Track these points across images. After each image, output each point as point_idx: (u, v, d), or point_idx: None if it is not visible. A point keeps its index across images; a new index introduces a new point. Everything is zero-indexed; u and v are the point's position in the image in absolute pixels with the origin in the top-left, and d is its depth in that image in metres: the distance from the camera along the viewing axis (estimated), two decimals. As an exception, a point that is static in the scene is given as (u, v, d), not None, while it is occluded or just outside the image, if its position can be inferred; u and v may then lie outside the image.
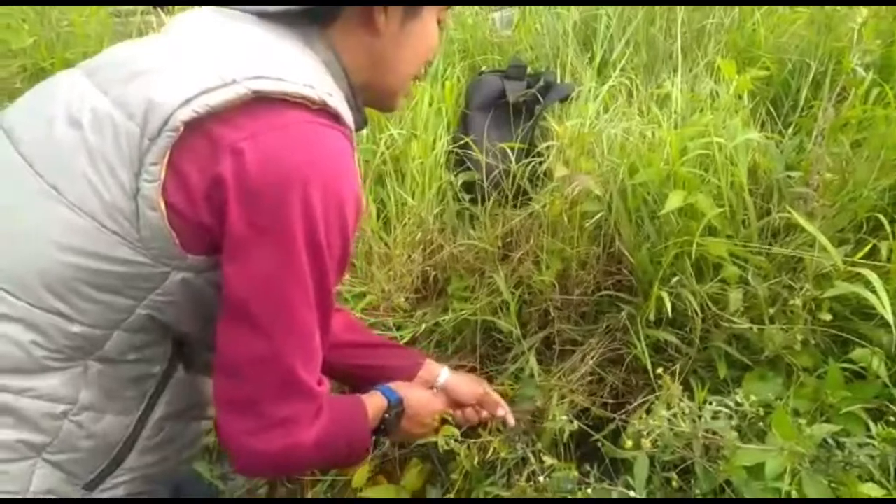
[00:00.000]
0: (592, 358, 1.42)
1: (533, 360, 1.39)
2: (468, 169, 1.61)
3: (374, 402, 0.94)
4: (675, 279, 1.28)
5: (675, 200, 1.24)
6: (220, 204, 0.69)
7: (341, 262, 0.75)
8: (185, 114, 0.67)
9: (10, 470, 0.72)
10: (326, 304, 0.74)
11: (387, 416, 0.95)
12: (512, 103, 1.66)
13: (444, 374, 1.14)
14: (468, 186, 1.62)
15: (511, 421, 1.17)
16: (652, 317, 1.32)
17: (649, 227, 1.34)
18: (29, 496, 0.73)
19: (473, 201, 1.61)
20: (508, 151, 1.55)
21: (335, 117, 0.73)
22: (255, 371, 0.72)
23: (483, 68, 1.90)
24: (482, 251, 1.52)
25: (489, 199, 1.58)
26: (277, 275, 0.70)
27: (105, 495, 0.79)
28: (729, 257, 1.26)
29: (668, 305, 1.23)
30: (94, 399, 0.74)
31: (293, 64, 0.73)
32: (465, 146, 1.61)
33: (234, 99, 0.67)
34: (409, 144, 1.58)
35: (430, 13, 0.84)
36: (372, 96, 0.85)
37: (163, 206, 0.68)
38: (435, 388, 1.12)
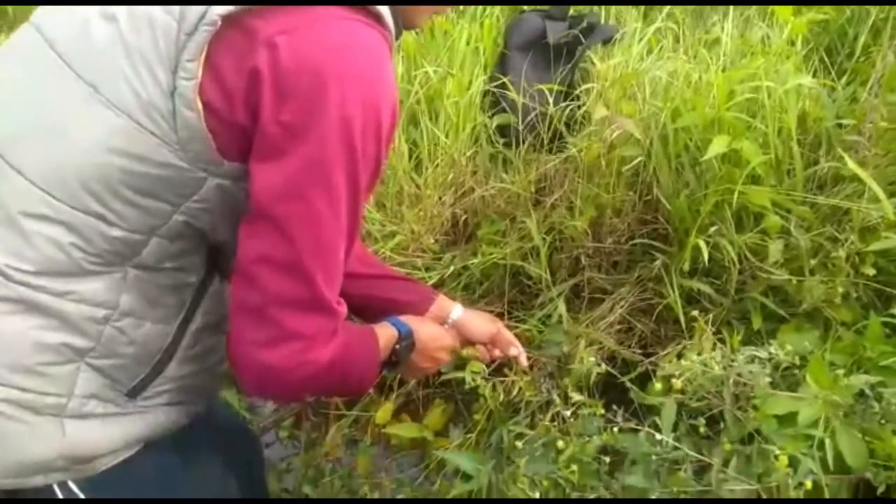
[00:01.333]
0: (622, 307, 1.40)
1: (562, 306, 1.37)
2: (504, 111, 1.57)
3: (384, 332, 0.91)
4: (713, 228, 1.24)
5: (718, 146, 1.19)
6: (255, 101, 0.67)
7: (374, 172, 0.72)
8: (223, 8, 0.64)
9: (54, 372, 0.72)
10: (355, 216, 0.72)
11: (397, 346, 0.92)
12: (553, 44, 1.61)
13: (456, 310, 1.11)
14: (503, 130, 1.58)
15: (524, 361, 1.13)
16: (687, 267, 1.29)
17: (689, 173, 1.30)
18: (73, 399, 0.74)
19: (507, 145, 1.57)
20: (546, 93, 1.50)
21: (376, 17, 0.70)
22: (274, 277, 0.69)
23: (524, 7, 1.83)
24: (514, 195, 1.49)
25: (524, 143, 1.54)
26: (307, 176, 0.67)
27: (147, 403, 0.79)
28: (771, 207, 1.21)
29: (706, 254, 1.20)
30: (134, 305, 0.74)
31: None
32: (502, 87, 1.57)
33: None
34: (444, 83, 1.54)
35: None
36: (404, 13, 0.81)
37: (199, 105, 0.66)
38: (447, 324, 1.09)
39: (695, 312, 1.14)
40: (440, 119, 1.55)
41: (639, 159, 1.32)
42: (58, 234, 0.69)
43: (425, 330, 0.99)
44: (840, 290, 1.11)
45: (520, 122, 1.54)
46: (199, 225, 0.74)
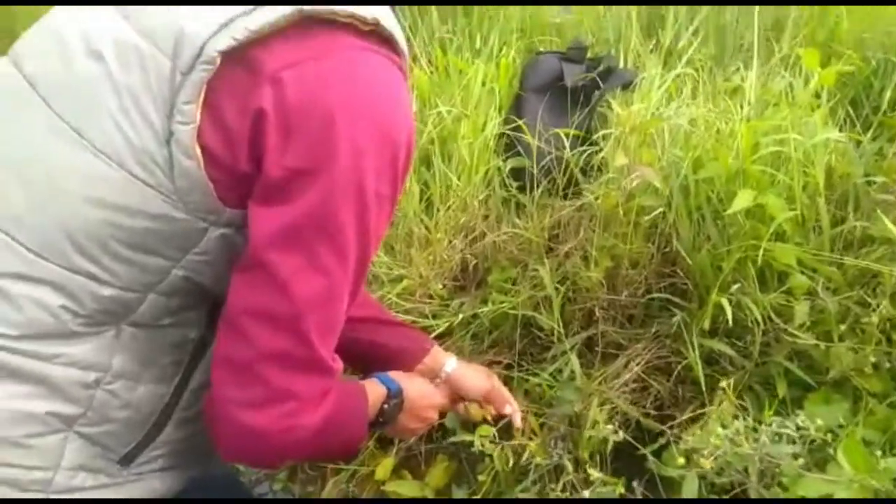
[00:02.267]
0: (638, 364, 1.34)
1: (574, 361, 1.31)
2: (518, 154, 1.53)
3: (373, 390, 0.85)
4: (735, 286, 1.19)
5: (743, 200, 1.14)
6: (259, 144, 0.61)
7: (388, 214, 0.67)
8: (222, 42, 0.58)
9: (39, 444, 0.66)
10: (362, 265, 0.66)
11: (385, 406, 0.86)
12: (570, 87, 1.57)
13: (450, 363, 1.04)
14: (517, 173, 1.53)
15: (518, 422, 1.06)
16: (707, 325, 1.23)
17: (711, 227, 1.25)
18: (60, 473, 0.68)
19: (521, 189, 1.53)
20: (563, 138, 1.46)
21: (387, 41, 0.65)
22: (266, 331, 0.63)
23: (540, 49, 1.81)
24: (527, 242, 1.44)
25: (538, 188, 1.50)
26: (311, 224, 0.61)
27: (141, 470, 0.73)
28: (797, 266, 1.16)
29: (729, 314, 1.14)
30: (128, 366, 0.69)
31: None
32: (517, 129, 1.53)
33: (277, 20, 0.58)
34: (459, 124, 1.50)
35: None
36: None
37: (199, 152, 0.60)
38: (439, 378, 1.03)
39: (715, 375, 1.08)
40: (453, 161, 1.51)
41: (658, 210, 1.27)
42: (44, 296, 0.63)
43: (415, 388, 0.93)
44: (871, 358, 1.05)
45: (534, 166, 1.49)
46: (200, 279, 0.68)
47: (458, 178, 1.47)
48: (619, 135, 1.39)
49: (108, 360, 0.67)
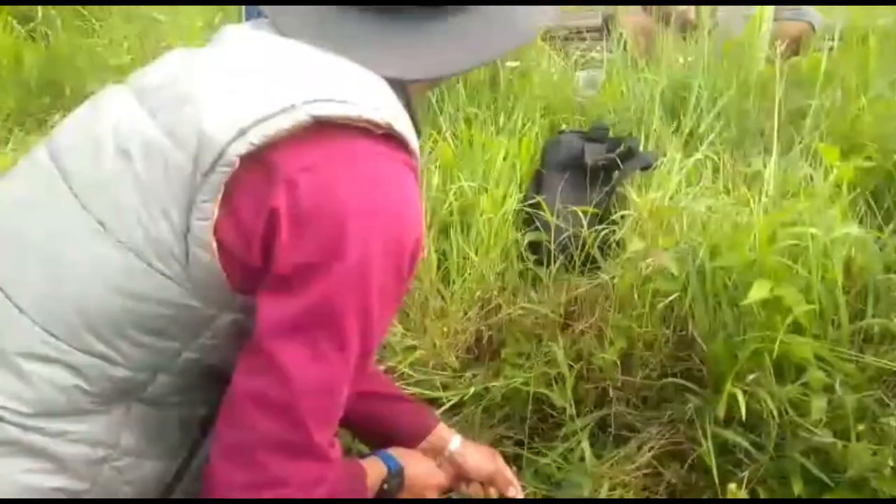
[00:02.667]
0: (651, 448, 1.32)
1: (585, 443, 1.29)
2: (536, 229, 1.55)
3: (373, 469, 0.85)
4: (751, 376, 1.17)
5: (759, 291, 1.14)
6: (271, 241, 0.63)
7: (392, 309, 0.69)
8: (241, 147, 0.61)
9: None
10: (365, 357, 0.67)
11: (385, 486, 0.86)
12: (590, 166, 1.60)
13: (454, 442, 1.04)
14: (535, 246, 1.55)
15: None
16: (721, 413, 1.21)
17: (727, 314, 1.24)
18: None
19: (539, 262, 1.54)
20: (580, 215, 1.48)
21: (400, 142, 0.67)
22: (264, 417, 0.64)
23: (563, 127, 1.85)
24: (542, 317, 1.45)
25: (555, 263, 1.51)
26: (316, 318, 0.63)
27: None
28: (814, 360, 1.14)
29: (742, 407, 1.12)
30: (135, 443, 0.70)
31: (354, 81, 0.68)
32: (536, 206, 1.55)
33: (294, 126, 0.62)
34: (479, 197, 1.53)
35: None
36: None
37: (214, 245, 0.63)
38: (442, 457, 1.03)
39: (729, 465, 1.06)
40: (471, 233, 1.53)
41: (675, 295, 1.27)
42: (58, 376, 0.65)
43: (416, 466, 0.93)
44: (890, 461, 1.02)
45: (552, 242, 1.51)
46: (210, 361, 0.70)
47: (476, 252, 1.49)
48: (637, 217, 1.41)
49: (116, 437, 0.69)
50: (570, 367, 1.36)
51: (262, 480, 0.65)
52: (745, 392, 1.15)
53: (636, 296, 1.31)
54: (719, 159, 1.61)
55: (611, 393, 1.37)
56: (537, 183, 1.63)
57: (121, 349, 0.66)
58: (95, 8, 2.85)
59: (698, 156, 1.52)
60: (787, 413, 1.16)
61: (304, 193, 0.62)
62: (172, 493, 0.74)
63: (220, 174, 0.61)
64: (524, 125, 1.78)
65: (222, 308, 0.67)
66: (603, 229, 1.49)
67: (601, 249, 1.49)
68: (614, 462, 1.32)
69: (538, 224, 1.54)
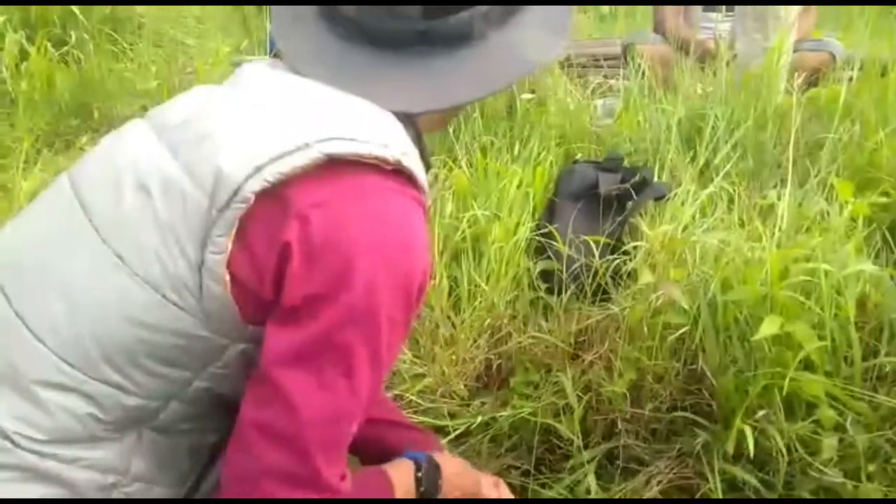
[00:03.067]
0: (659, 483, 1.30)
1: (592, 476, 1.28)
2: (548, 258, 1.55)
3: (400, 471, 0.84)
4: (761, 413, 1.16)
5: (770, 327, 1.13)
6: (282, 274, 0.65)
7: (401, 337, 0.70)
8: (257, 184, 0.63)
9: None
10: (375, 386, 0.68)
11: (419, 474, 0.85)
12: (603, 196, 1.60)
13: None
14: (546, 275, 1.55)
15: None
16: (731, 449, 1.20)
17: (738, 349, 1.23)
18: None
19: (550, 291, 1.54)
20: (592, 245, 1.48)
21: (409, 178, 0.69)
22: (270, 447, 0.65)
23: (578, 156, 1.86)
24: (552, 346, 1.44)
25: (566, 292, 1.51)
26: (323, 348, 0.65)
27: None
28: (826, 398, 1.13)
29: (751, 443, 1.11)
30: (146, 469, 0.71)
31: (365, 118, 0.70)
32: (549, 235, 1.56)
33: (307, 164, 0.64)
34: (491, 226, 1.54)
35: None
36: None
37: (227, 278, 0.65)
38: None
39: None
40: (483, 261, 1.54)
41: (685, 328, 1.26)
42: (74, 404, 0.67)
43: (448, 459, 0.93)
44: (902, 504, 1.00)
45: (564, 271, 1.51)
46: (220, 389, 0.71)
47: (487, 280, 1.50)
48: (650, 248, 1.41)
49: (127, 464, 0.70)
50: (579, 398, 1.35)
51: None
52: (754, 428, 1.14)
53: (646, 328, 1.30)
54: (734, 191, 1.60)
55: (619, 425, 1.36)
56: (550, 212, 1.64)
57: (134, 378, 0.67)
58: (126, 31, 2.94)
59: (712, 188, 1.51)
60: (796, 451, 1.15)
61: (315, 229, 0.63)
62: None
63: (235, 210, 0.63)
64: (539, 154, 1.79)
65: (234, 339, 0.68)
66: (615, 259, 1.49)
67: (613, 280, 1.49)
68: (621, 495, 1.31)
69: (550, 253, 1.55)
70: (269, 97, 0.72)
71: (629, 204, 1.58)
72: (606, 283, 1.48)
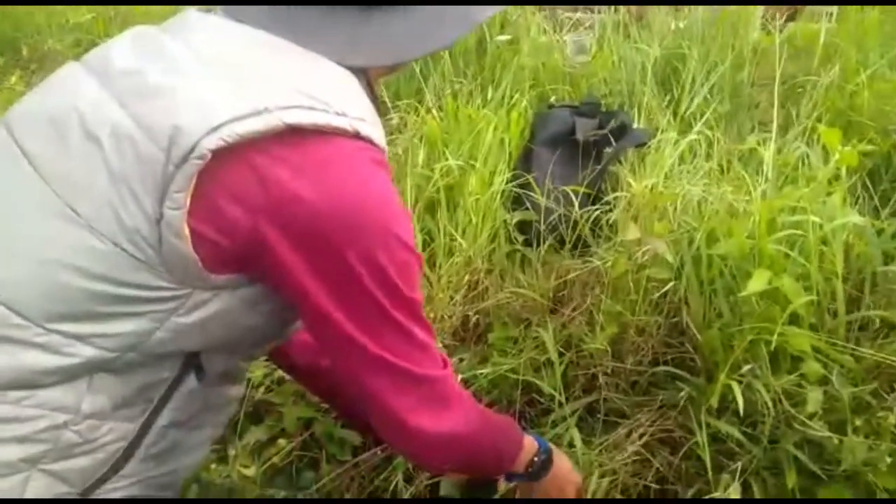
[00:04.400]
0: (641, 435, 1.30)
1: (575, 432, 1.27)
2: (526, 208, 1.49)
3: (528, 440, 0.92)
4: (746, 367, 1.15)
5: (758, 282, 1.10)
6: (263, 242, 0.65)
7: (416, 266, 0.72)
8: (212, 142, 0.62)
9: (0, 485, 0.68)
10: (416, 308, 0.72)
11: (535, 458, 0.93)
12: (581, 142, 1.54)
13: None
14: (523, 227, 1.50)
15: None
16: (715, 403, 1.19)
17: (723, 303, 1.21)
18: None
19: (527, 243, 1.49)
20: (571, 195, 1.43)
21: (369, 141, 0.69)
22: (369, 376, 0.71)
23: (552, 99, 1.78)
24: (531, 301, 1.40)
25: (544, 244, 1.46)
26: (351, 307, 0.68)
27: (101, 500, 0.74)
28: (811, 351, 1.12)
29: (740, 399, 1.10)
30: (97, 407, 0.70)
31: (319, 78, 0.69)
32: (526, 185, 1.50)
33: (266, 130, 0.63)
34: (467, 176, 1.47)
35: None
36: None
37: (187, 232, 0.64)
38: None
39: (722, 455, 1.04)
40: (458, 213, 1.47)
41: (670, 284, 1.23)
42: (24, 354, 0.65)
43: (562, 459, 0.99)
44: (887, 457, 1.01)
45: (542, 221, 1.46)
46: (181, 341, 0.70)
47: (463, 234, 1.43)
48: (630, 199, 1.36)
49: (77, 403, 0.69)
50: (560, 352, 1.33)
51: (422, 395, 0.73)
52: (739, 383, 1.13)
53: (630, 283, 1.27)
54: (713, 134, 1.56)
55: (600, 378, 1.34)
56: (526, 159, 1.57)
57: (92, 330, 0.66)
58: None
59: (693, 136, 1.46)
60: (780, 403, 1.14)
61: (306, 204, 0.64)
62: (133, 453, 0.74)
63: (192, 165, 0.62)
64: (512, 97, 1.71)
65: (197, 287, 0.68)
66: (595, 210, 1.44)
67: (592, 231, 1.45)
68: (603, 448, 1.31)
69: (528, 203, 1.49)
70: (222, 51, 0.70)
71: (607, 150, 1.53)
72: (586, 235, 1.44)
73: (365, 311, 0.69)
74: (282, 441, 1.32)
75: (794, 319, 1.15)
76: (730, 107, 1.68)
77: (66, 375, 0.67)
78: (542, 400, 1.37)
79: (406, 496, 1.29)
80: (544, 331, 1.33)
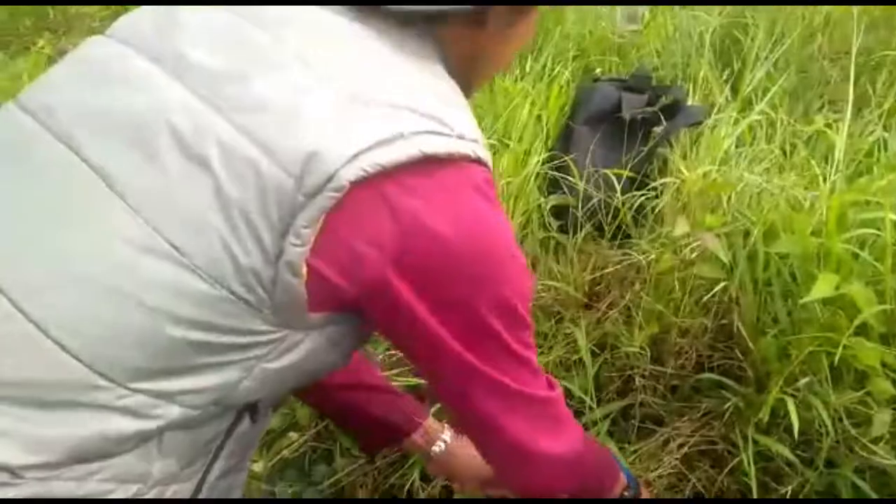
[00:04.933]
0: (679, 446, 1.19)
1: (605, 437, 1.17)
2: (563, 192, 1.37)
3: (622, 477, 0.86)
4: (804, 380, 1.02)
5: (823, 287, 0.97)
6: (388, 283, 0.57)
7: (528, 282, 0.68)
8: (352, 172, 0.53)
9: None
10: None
11: (625, 493, 0.85)
12: (627, 120, 1.40)
13: (443, 440, 1.00)
14: (559, 212, 1.38)
15: None
16: (765, 417, 1.07)
17: (780, 308, 1.08)
18: None
19: (563, 230, 1.38)
20: (613, 179, 1.30)
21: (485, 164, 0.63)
22: (487, 403, 0.66)
23: (598, 71, 1.64)
24: (564, 294, 1.29)
25: (581, 231, 1.34)
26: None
27: None
28: (880, 367, 0.99)
29: (794, 414, 0.98)
30: (167, 471, 0.62)
31: (433, 90, 0.62)
32: (563, 166, 1.37)
33: (405, 160, 0.55)
34: (500, 157, 1.35)
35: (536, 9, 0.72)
36: None
37: (304, 270, 0.55)
38: (432, 453, 1.00)
39: (768, 478, 0.93)
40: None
41: (721, 285, 1.11)
42: (105, 423, 0.55)
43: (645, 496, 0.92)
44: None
45: (579, 208, 1.34)
46: (265, 390, 0.62)
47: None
48: (680, 186, 1.23)
49: (148, 469, 0.60)
50: (594, 352, 1.22)
51: (533, 412, 0.67)
52: (794, 397, 1.01)
53: (675, 282, 1.15)
54: (776, 115, 1.40)
55: (637, 381, 1.23)
56: (566, 139, 1.45)
57: (183, 386, 0.57)
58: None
59: (755, 115, 1.32)
60: (842, 424, 1.02)
61: (443, 240, 0.57)
62: None
63: (327, 199, 0.53)
64: (554, 67, 1.57)
65: (294, 328, 0.59)
66: (640, 196, 1.31)
67: (635, 219, 1.32)
68: (637, 458, 1.20)
69: (564, 187, 1.37)
70: (325, 53, 0.59)
71: (657, 129, 1.39)
72: (627, 224, 1.32)
73: (489, 347, 0.63)
74: (293, 434, 1.26)
75: (861, 330, 1.02)
76: (797, 83, 1.52)
77: (141, 439, 0.58)
78: (570, 402, 1.27)
79: (423, 496, 1.21)
80: (577, 328, 1.22)
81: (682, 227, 1.05)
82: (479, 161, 0.60)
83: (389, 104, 0.57)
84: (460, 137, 0.58)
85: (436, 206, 0.56)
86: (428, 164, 0.56)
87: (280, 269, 0.54)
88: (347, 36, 0.61)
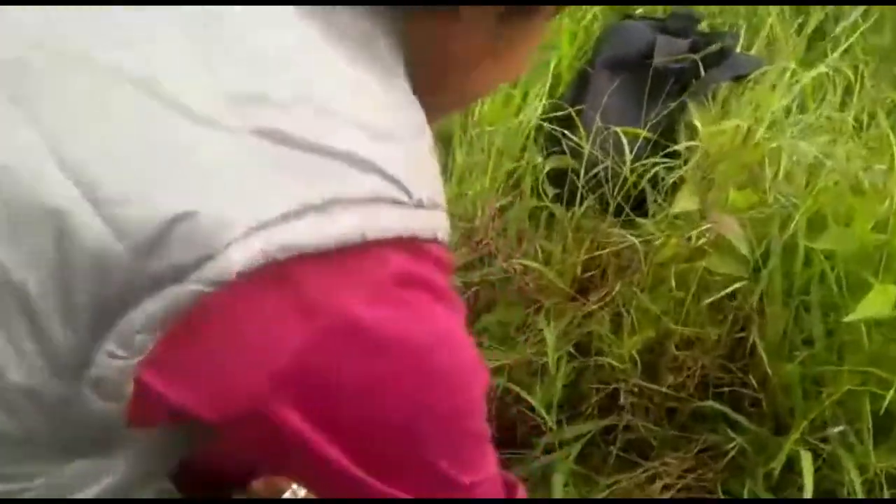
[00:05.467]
0: (666, 487, 0.94)
1: (570, 463, 0.93)
2: (563, 153, 1.11)
3: None
4: (836, 429, 0.75)
5: (878, 303, 0.70)
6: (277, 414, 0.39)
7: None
8: (245, 256, 0.35)
9: None
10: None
11: None
12: (656, 68, 1.12)
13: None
14: (557, 177, 1.12)
15: None
16: (777, 466, 0.81)
17: (816, 324, 0.80)
18: None
19: (558, 199, 1.12)
20: (624, 141, 1.03)
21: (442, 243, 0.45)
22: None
23: (639, 11, 1.35)
24: (548, 281, 1.04)
25: (581, 205, 1.08)
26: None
27: None
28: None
29: (809, 478, 0.71)
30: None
31: (385, 119, 0.42)
32: (568, 119, 1.11)
33: (329, 245, 0.37)
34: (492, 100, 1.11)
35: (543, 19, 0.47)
36: None
37: (130, 390, 0.38)
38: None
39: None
40: (474, 148, 1.12)
41: (739, 284, 0.83)
42: None
43: None
44: None
45: (582, 174, 1.08)
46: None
47: (471, 173, 1.08)
48: (708, 151, 0.95)
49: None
50: (573, 356, 0.97)
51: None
52: (817, 452, 0.74)
53: (677, 272, 0.88)
54: (855, 77, 1.09)
55: (622, 398, 0.98)
56: (579, 87, 1.18)
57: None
58: None
59: (823, 67, 1.01)
60: (881, 492, 0.75)
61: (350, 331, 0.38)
62: None
63: (189, 292, 0.35)
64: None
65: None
66: (658, 164, 1.04)
67: (652, 193, 1.05)
68: (611, 492, 0.96)
69: (565, 147, 1.10)
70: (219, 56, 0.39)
71: (694, 82, 1.10)
72: (640, 198, 1.05)
73: (428, 484, 0.47)
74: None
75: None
76: (891, 39, 1.19)
77: None
78: (532, 416, 1.03)
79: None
80: (552, 323, 0.97)
81: (684, 203, 0.78)
82: (435, 240, 0.43)
83: (324, 147, 0.38)
84: (416, 206, 0.40)
85: (378, 304, 0.38)
86: (366, 248, 0.38)
87: (83, 390, 0.38)
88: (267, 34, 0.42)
